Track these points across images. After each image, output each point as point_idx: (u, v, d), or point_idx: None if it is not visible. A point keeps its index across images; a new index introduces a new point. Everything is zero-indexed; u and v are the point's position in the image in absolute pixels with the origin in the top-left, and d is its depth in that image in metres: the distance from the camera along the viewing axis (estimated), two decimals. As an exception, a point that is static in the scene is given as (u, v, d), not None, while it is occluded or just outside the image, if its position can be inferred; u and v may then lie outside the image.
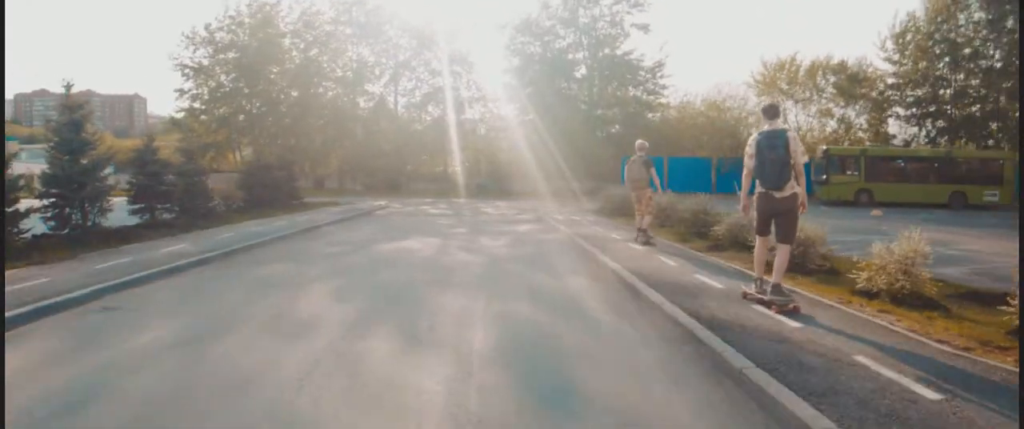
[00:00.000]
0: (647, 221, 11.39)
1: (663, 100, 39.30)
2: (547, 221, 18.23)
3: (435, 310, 6.59)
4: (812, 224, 8.66)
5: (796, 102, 39.38)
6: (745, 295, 6.63)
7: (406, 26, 41.88)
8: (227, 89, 40.47)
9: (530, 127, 38.29)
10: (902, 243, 6.65)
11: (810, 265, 8.37)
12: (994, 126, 34.97)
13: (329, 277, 8.76)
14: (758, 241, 6.45)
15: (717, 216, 12.19)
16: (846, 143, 36.87)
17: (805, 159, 6.15)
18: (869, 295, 6.70)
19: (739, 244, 10.44)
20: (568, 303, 7.11)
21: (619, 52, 38.35)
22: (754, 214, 6.42)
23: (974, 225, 18.96)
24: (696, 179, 33.57)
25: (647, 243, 11.20)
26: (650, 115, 39.31)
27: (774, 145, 5.95)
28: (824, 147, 30.86)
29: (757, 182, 6.20)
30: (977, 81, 34.72)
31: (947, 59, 35.00)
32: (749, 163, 6.21)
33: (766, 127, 6.22)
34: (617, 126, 39.13)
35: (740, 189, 6.56)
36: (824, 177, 29.19)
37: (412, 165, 42.61)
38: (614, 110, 39.12)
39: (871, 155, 29.68)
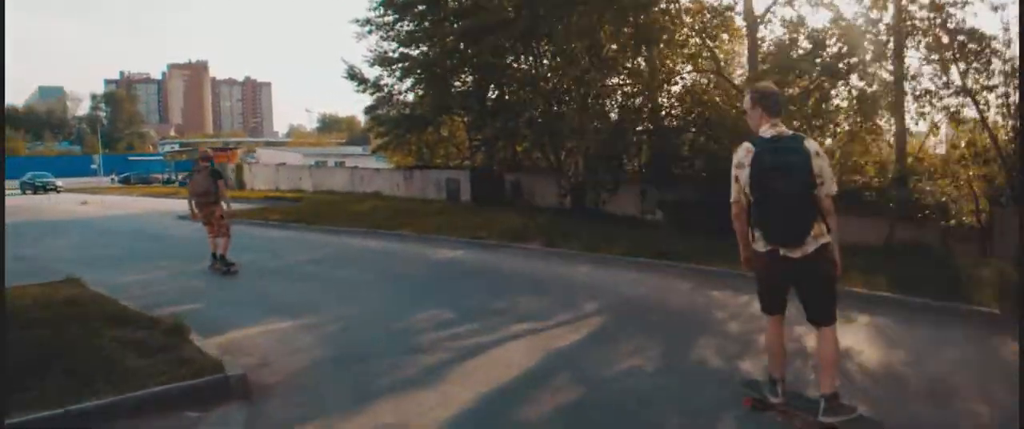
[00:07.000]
0: (223, 244, 9.19)
1: None
2: None
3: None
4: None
5: None
6: (754, 404, 3.65)
7: None
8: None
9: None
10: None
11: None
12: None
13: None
14: (769, 323, 3.57)
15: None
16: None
17: (835, 188, 3.29)
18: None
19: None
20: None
21: None
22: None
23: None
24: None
25: (227, 271, 9.07)
26: None
27: (787, 165, 3.11)
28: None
29: (757, 232, 3.33)
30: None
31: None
32: (740, 198, 3.34)
33: (767, 130, 3.32)
34: None
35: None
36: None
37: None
38: None
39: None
